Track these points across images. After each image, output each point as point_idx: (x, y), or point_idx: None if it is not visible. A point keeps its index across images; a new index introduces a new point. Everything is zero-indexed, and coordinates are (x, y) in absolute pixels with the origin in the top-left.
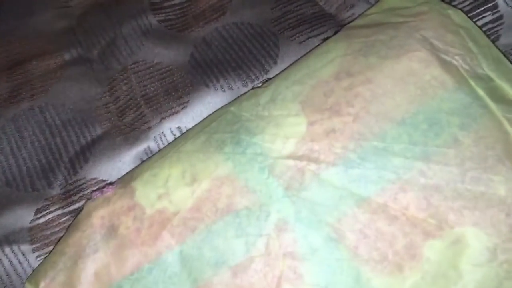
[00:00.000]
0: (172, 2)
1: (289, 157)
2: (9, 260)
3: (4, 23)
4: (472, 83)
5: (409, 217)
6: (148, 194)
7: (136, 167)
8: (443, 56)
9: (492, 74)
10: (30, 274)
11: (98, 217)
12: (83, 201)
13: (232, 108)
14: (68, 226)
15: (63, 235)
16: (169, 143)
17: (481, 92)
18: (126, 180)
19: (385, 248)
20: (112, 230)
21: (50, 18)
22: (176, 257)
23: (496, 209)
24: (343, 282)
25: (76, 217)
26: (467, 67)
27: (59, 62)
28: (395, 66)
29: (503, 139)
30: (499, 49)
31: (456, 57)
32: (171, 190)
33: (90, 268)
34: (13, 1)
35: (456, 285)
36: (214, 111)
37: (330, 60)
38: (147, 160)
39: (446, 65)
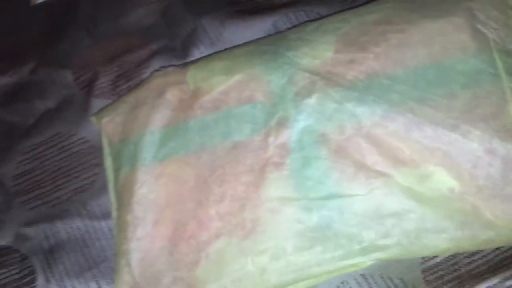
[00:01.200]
0: None
1: (309, 71)
2: None
3: (103, 25)
4: (496, 54)
5: (388, 142)
6: (195, 76)
7: (197, 59)
8: (479, 26)
9: None
10: (96, 112)
11: (155, 83)
12: None
13: (286, 31)
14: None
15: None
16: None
17: (499, 64)
18: (186, 64)
19: (358, 159)
20: (161, 94)
21: (139, 16)
22: (197, 124)
23: (465, 158)
24: (315, 174)
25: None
26: (498, 40)
27: (148, 52)
28: (430, 25)
29: (498, 104)
30: None
31: (492, 30)
32: (212, 76)
33: (138, 115)
34: (109, 5)
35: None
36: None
37: (378, 9)
38: (207, 55)
39: (478, 35)
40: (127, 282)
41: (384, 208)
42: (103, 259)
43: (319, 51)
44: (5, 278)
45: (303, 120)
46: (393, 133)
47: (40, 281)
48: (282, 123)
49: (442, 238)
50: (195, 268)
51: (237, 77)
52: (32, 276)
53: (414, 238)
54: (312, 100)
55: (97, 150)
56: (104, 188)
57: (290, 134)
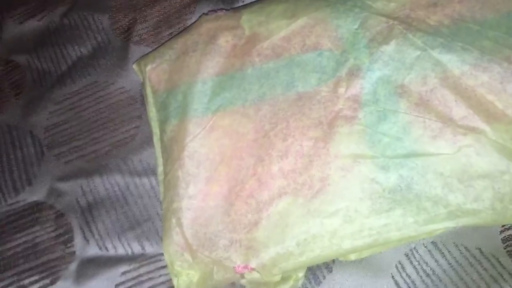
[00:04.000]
0: None
1: (384, 15)
2: None
3: None
4: None
5: (478, 95)
6: (251, 20)
7: (250, 3)
8: None
9: None
10: (138, 59)
11: (206, 27)
12: None
13: None
14: (182, 30)
15: (176, 35)
16: None
17: None
18: (237, 9)
19: (444, 113)
20: (213, 39)
21: None
22: (256, 72)
23: None
24: (392, 130)
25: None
26: None
27: None
28: None
29: None
30: None
31: None
32: (271, 20)
33: (187, 62)
34: None
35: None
36: None
37: None
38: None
39: None
40: (177, 243)
41: (474, 168)
42: (146, 218)
43: None
44: (39, 236)
45: (378, 69)
46: (485, 85)
47: (77, 240)
48: (354, 73)
49: None
50: (254, 230)
51: (300, 21)
52: (69, 235)
53: (509, 202)
54: (389, 47)
55: (137, 101)
56: (146, 142)
57: (363, 85)
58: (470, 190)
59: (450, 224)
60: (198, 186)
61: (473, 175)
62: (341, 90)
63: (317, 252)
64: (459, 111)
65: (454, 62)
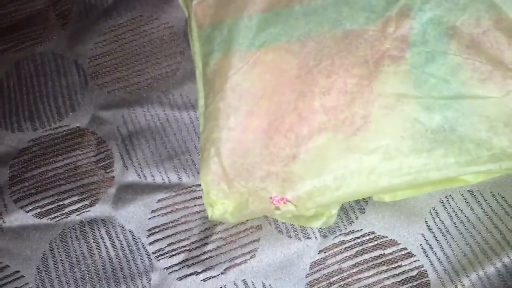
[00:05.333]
0: None
1: None
2: None
3: None
4: None
5: None
6: None
7: None
8: None
9: None
10: None
11: None
12: None
13: None
14: None
15: None
16: None
17: None
18: None
19: (495, 56)
20: None
21: None
22: (303, 9)
23: None
24: (440, 71)
25: None
26: None
27: None
28: None
29: None
30: None
31: None
32: None
33: None
34: None
35: None
36: None
37: None
38: None
39: None
40: (215, 172)
41: None
42: (184, 150)
43: None
44: (80, 160)
45: (430, 10)
46: None
47: (117, 166)
48: (404, 13)
49: None
50: (292, 163)
51: None
52: (109, 161)
53: None
54: None
55: (180, 37)
56: (187, 78)
57: (413, 25)
58: None
59: (492, 167)
60: (239, 118)
61: None
62: (390, 29)
63: (354, 188)
64: (511, 54)
65: (510, 5)
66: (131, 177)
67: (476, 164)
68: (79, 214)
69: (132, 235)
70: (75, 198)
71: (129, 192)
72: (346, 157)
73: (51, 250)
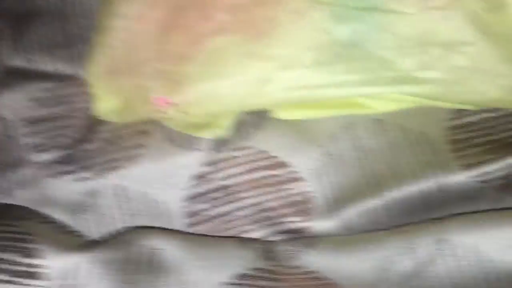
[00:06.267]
0: None
1: None
2: None
3: None
4: None
5: None
6: None
7: None
8: None
9: None
10: None
11: None
12: None
13: None
14: None
15: None
16: None
17: None
18: None
19: None
20: None
21: None
22: None
23: None
24: None
25: None
26: None
27: None
28: None
29: None
30: None
31: None
32: None
33: None
34: None
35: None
36: None
37: None
38: None
39: None
40: (102, 63)
41: (435, 34)
42: (84, 39)
43: None
44: None
45: None
46: None
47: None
48: None
49: (495, 84)
50: (184, 63)
51: None
52: None
53: (461, 77)
54: None
55: None
56: None
57: None
58: (423, 57)
59: (392, 90)
60: (137, 7)
61: (432, 41)
62: None
63: (246, 97)
64: None
65: None
66: (20, 61)
67: (377, 84)
68: None
69: (6, 124)
70: None
71: (14, 77)
72: (243, 63)
73: None
